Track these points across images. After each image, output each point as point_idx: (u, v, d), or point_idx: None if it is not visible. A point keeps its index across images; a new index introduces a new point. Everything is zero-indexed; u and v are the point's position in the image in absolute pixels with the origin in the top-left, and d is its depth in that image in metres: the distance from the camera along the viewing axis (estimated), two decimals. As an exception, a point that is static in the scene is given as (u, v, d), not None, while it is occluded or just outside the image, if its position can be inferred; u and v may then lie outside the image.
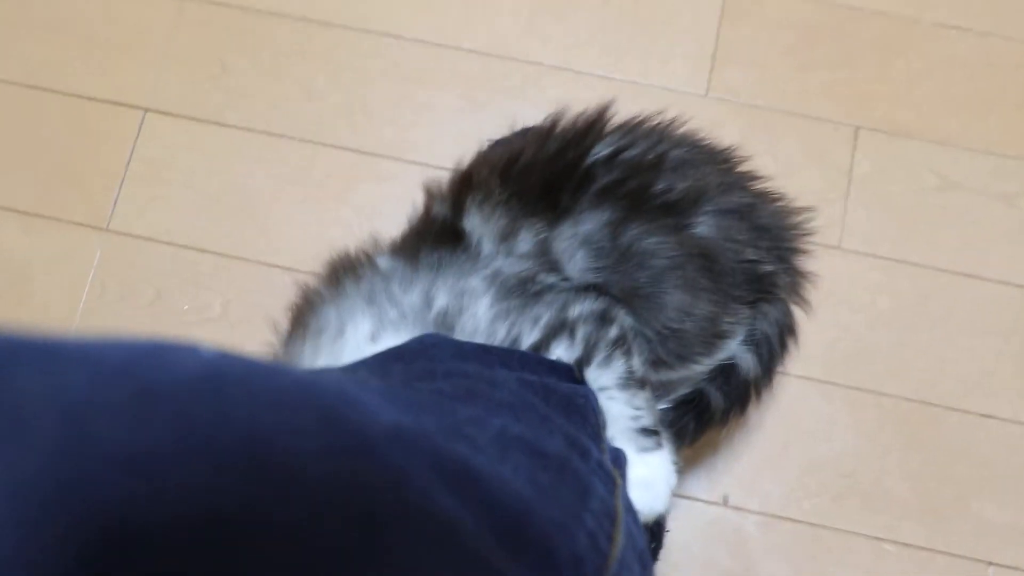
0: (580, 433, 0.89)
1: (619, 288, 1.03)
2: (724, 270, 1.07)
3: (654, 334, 1.05)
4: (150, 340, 0.51)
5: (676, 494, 1.23)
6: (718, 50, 1.58)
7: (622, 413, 1.02)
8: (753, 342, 1.18)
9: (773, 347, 1.20)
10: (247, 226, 1.51)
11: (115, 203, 1.51)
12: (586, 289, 1.03)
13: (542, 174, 1.06)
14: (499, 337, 0.98)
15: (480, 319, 0.99)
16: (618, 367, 1.02)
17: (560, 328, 1.00)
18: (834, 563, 1.39)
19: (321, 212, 1.51)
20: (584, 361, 1.01)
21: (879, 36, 1.59)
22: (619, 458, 1.00)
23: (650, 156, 1.09)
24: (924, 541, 1.39)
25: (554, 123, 1.14)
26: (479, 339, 0.98)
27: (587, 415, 0.96)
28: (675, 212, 1.05)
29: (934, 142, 1.54)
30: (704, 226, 1.06)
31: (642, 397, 1.03)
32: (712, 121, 1.52)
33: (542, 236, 1.03)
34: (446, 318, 0.99)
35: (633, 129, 1.14)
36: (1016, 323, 1.47)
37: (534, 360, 0.99)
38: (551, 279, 1.02)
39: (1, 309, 1.48)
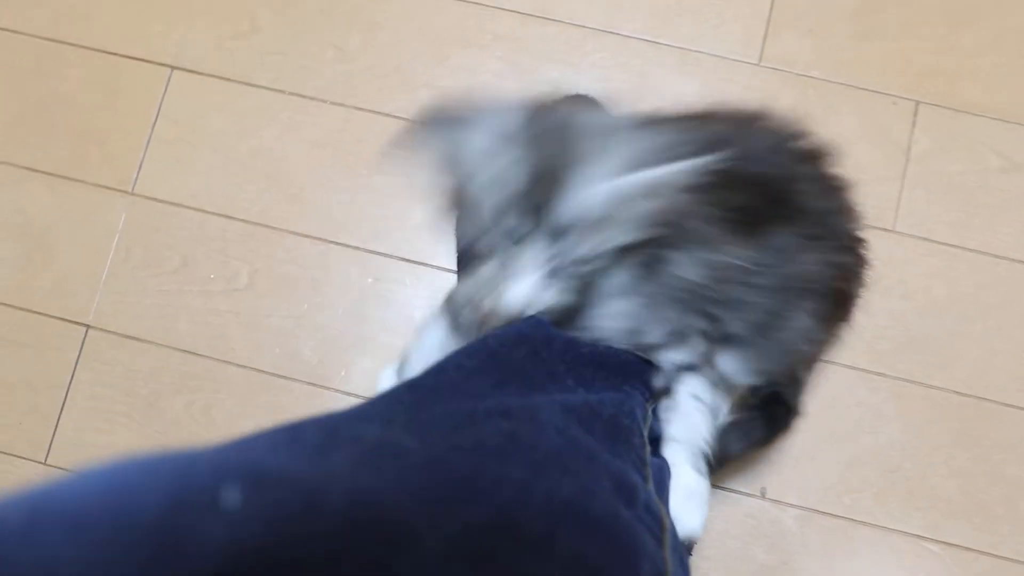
0: (626, 463, 0.89)
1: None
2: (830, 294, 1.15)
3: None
4: None
5: (712, 484, 1.19)
6: (773, 14, 1.49)
7: (699, 430, 1.07)
8: None
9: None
10: (275, 193, 1.46)
11: (140, 165, 1.46)
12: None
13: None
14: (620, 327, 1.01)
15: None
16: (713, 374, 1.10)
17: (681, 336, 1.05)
18: (874, 561, 1.34)
19: (352, 179, 1.46)
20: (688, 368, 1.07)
21: (946, 3, 1.50)
22: (663, 473, 0.99)
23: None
24: (970, 542, 1.34)
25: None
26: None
27: (632, 435, 0.96)
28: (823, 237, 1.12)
29: (999, 120, 1.45)
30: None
31: (724, 409, 1.10)
32: (764, 92, 1.46)
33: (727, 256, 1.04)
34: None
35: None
36: (1077, 316, 1.40)
37: (586, 358, 1.01)
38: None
39: (25, 274, 1.45)
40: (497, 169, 0.93)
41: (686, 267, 1.04)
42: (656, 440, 1.09)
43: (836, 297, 1.18)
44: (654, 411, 1.09)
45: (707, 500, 1.07)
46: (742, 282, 1.07)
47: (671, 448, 1.07)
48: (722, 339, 1.13)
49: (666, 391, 1.10)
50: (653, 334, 1.05)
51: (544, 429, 0.82)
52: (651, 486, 0.94)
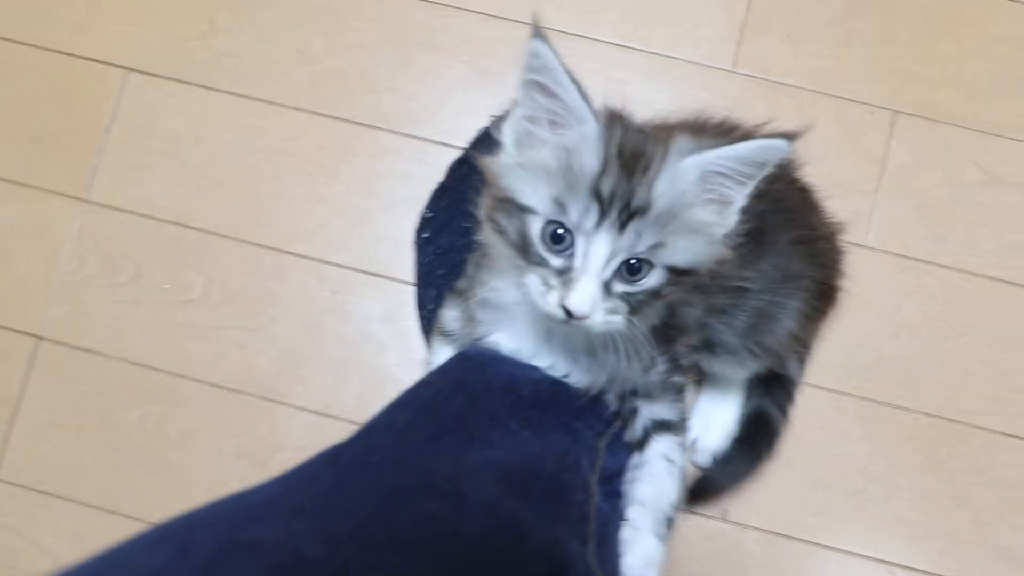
0: (564, 529, 0.88)
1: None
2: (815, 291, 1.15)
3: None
4: None
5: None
6: (749, 19, 1.44)
7: (666, 495, 1.03)
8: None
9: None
10: (233, 200, 1.42)
11: (95, 171, 1.43)
12: None
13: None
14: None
15: None
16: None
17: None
18: (837, 587, 1.32)
19: (312, 187, 1.42)
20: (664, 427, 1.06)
21: (930, 8, 1.44)
22: (609, 525, 0.99)
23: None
24: (936, 567, 1.32)
25: None
26: None
27: (574, 491, 0.94)
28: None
29: (979, 131, 1.41)
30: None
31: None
32: (737, 99, 1.41)
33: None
34: None
35: None
36: (1053, 337, 1.37)
37: (528, 400, 0.99)
38: None
39: (-25, 282, 1.42)
40: (587, 141, 0.86)
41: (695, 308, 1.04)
42: (611, 476, 1.06)
43: (820, 291, 1.17)
44: (609, 445, 1.06)
45: (663, 564, 1.04)
46: (735, 302, 1.07)
47: (636, 511, 1.03)
48: (708, 347, 1.12)
49: (639, 444, 1.07)
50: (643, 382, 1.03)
51: (470, 510, 0.79)
52: (592, 545, 0.91)
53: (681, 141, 0.87)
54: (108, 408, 1.38)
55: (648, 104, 1.41)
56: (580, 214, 0.84)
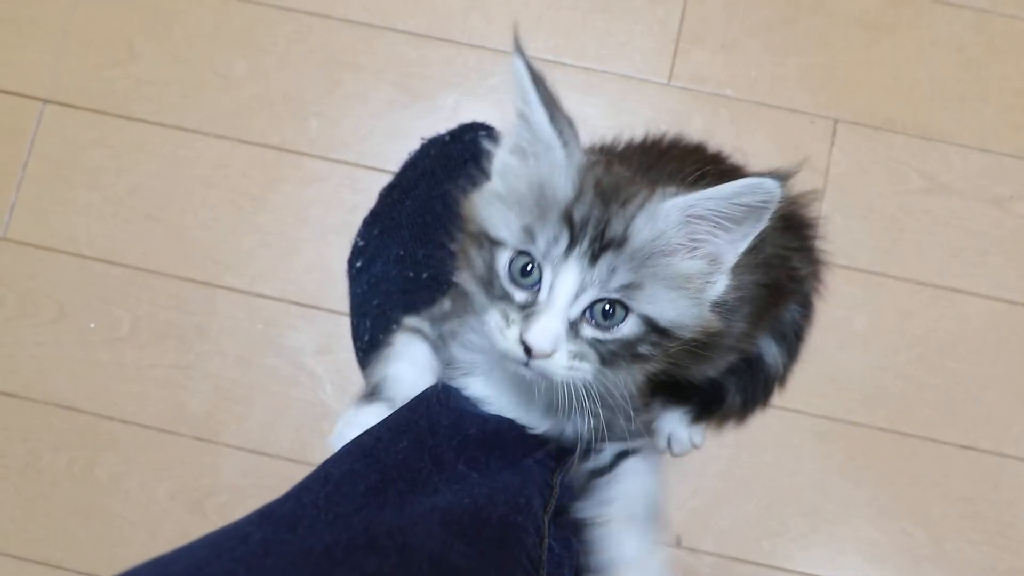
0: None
1: None
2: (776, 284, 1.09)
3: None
4: None
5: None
6: (683, 29, 1.41)
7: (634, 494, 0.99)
8: (781, 336, 1.25)
9: (798, 339, 1.28)
10: (158, 234, 1.37)
11: (12, 208, 1.37)
12: None
13: None
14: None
15: None
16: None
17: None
18: (794, 611, 1.29)
19: (239, 217, 1.37)
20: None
21: (864, 14, 1.42)
22: (564, 566, 0.95)
23: None
24: (894, 585, 1.28)
25: None
26: None
27: (525, 534, 0.90)
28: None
29: (921, 137, 1.38)
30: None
31: None
32: (674, 113, 1.38)
33: None
34: None
35: None
36: (1005, 344, 1.34)
37: (475, 440, 0.95)
38: None
39: None
40: (562, 165, 0.81)
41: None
42: (564, 509, 1.01)
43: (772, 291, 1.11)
44: (562, 480, 1.02)
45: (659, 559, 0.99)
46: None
47: (606, 507, 0.99)
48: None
49: (608, 469, 1.02)
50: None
51: (417, 563, 0.75)
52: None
53: (670, 189, 0.81)
54: (33, 454, 1.32)
55: (583, 120, 1.38)
56: (549, 242, 0.78)
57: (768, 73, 1.40)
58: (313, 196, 1.37)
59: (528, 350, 0.79)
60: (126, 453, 1.32)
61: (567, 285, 0.78)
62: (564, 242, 0.78)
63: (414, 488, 0.86)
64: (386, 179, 1.35)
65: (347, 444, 0.92)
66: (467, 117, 1.37)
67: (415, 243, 1.28)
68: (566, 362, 0.80)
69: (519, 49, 0.81)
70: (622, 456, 1.01)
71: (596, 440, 0.94)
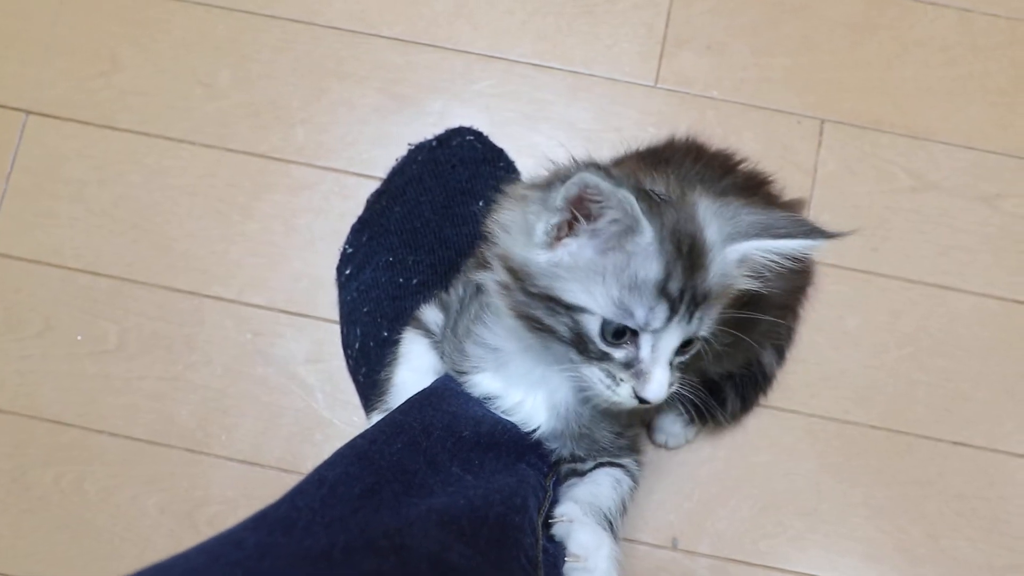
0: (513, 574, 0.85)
1: None
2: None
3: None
4: None
5: (622, 537, 1.12)
6: (669, 32, 1.41)
7: (600, 497, 1.00)
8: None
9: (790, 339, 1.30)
10: (145, 244, 1.36)
11: (-4, 221, 1.36)
12: None
13: None
14: None
15: None
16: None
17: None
18: (792, 611, 1.28)
19: (226, 226, 1.36)
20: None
21: (847, 15, 1.42)
22: (558, 566, 0.94)
23: None
24: (892, 584, 1.28)
25: None
26: None
27: (522, 534, 0.90)
28: None
29: (908, 136, 1.39)
30: None
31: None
32: (661, 115, 1.38)
33: None
34: None
35: None
36: (996, 341, 1.34)
37: (469, 442, 0.95)
38: None
39: None
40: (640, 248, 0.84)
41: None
42: (551, 504, 1.01)
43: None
44: (555, 483, 1.01)
45: (617, 558, 0.99)
46: None
47: (568, 506, 0.99)
48: None
49: (579, 474, 1.03)
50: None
51: (415, 563, 0.74)
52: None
53: (718, 213, 0.87)
54: (20, 469, 1.30)
55: (571, 124, 1.38)
56: (647, 315, 0.83)
57: (754, 75, 1.40)
58: (301, 204, 1.36)
59: (643, 400, 0.86)
60: (115, 467, 1.31)
61: (670, 343, 0.85)
62: (664, 314, 0.83)
63: (409, 490, 0.86)
64: (374, 185, 1.35)
65: (341, 448, 0.91)
66: (454, 122, 1.37)
67: (404, 249, 1.27)
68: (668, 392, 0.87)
69: (589, 166, 0.83)
70: (603, 464, 1.02)
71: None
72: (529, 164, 1.35)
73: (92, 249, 1.35)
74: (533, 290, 0.86)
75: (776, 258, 0.86)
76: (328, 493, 0.81)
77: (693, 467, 1.31)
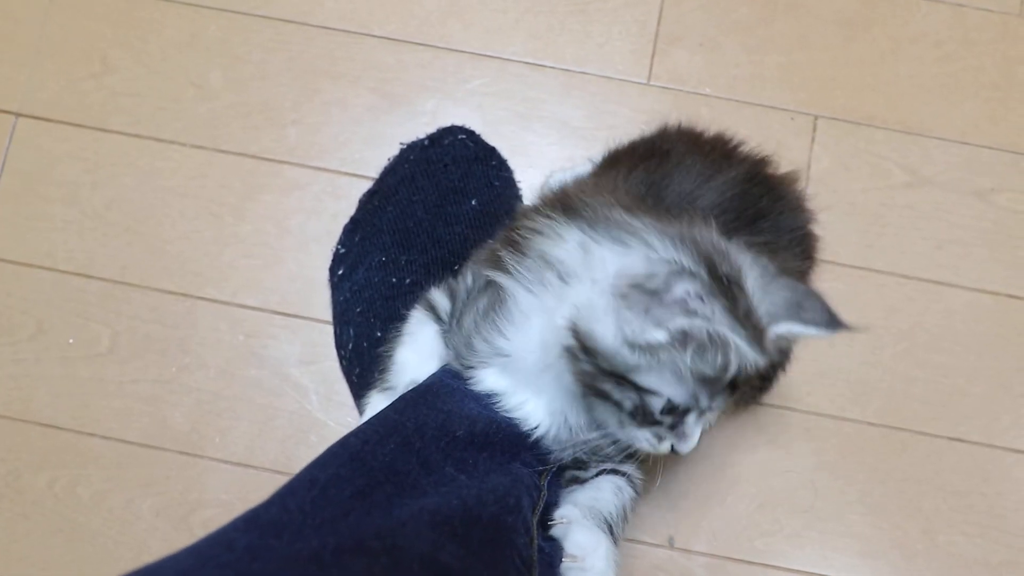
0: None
1: None
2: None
3: None
4: None
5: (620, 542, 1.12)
6: (661, 29, 1.41)
7: (601, 501, 1.01)
8: None
9: None
10: (137, 246, 1.35)
11: (-14, 224, 1.35)
12: None
13: None
14: None
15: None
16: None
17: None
18: (789, 609, 1.28)
19: (218, 228, 1.35)
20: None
21: (840, 11, 1.42)
22: (554, 566, 0.94)
23: None
24: (889, 581, 1.28)
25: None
26: None
27: (516, 535, 0.89)
28: None
29: (902, 132, 1.38)
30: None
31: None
32: (654, 112, 1.38)
33: None
34: None
35: None
36: (991, 336, 1.34)
37: (463, 441, 0.94)
38: None
39: None
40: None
41: None
42: (547, 507, 1.01)
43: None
44: (549, 482, 1.01)
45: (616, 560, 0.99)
46: None
47: (567, 509, 0.99)
48: None
49: (580, 480, 1.03)
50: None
51: (407, 564, 0.73)
52: None
53: (762, 286, 0.88)
54: (13, 474, 1.30)
55: (564, 122, 1.38)
56: (710, 400, 0.87)
57: (747, 71, 1.40)
58: (293, 204, 1.36)
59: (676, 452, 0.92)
60: (109, 470, 1.30)
61: (715, 411, 0.90)
62: (723, 396, 0.87)
63: (402, 491, 0.85)
64: (367, 185, 1.35)
65: (332, 446, 0.91)
66: (447, 121, 1.36)
67: (397, 249, 1.27)
68: None
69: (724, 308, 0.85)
70: (605, 472, 1.02)
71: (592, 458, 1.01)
72: (522, 163, 1.35)
73: (84, 251, 1.35)
74: (605, 367, 0.86)
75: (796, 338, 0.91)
76: (319, 495, 0.81)
77: (689, 465, 1.30)
